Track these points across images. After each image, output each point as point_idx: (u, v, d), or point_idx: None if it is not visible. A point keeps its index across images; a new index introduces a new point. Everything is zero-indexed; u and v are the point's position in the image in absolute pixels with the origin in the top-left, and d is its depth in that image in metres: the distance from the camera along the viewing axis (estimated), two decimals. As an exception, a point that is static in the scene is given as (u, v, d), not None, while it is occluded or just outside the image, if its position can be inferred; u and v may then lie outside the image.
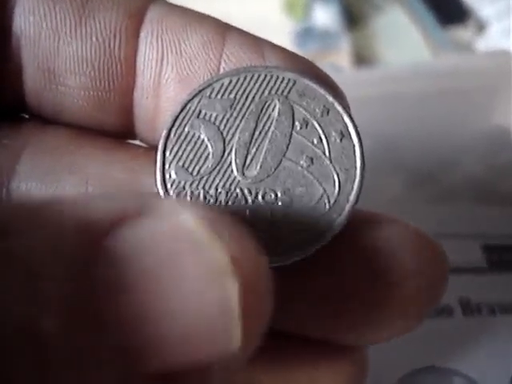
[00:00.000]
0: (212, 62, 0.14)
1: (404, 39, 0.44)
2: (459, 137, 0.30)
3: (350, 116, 0.14)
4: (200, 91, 0.14)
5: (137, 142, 0.16)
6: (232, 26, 0.15)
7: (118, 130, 0.16)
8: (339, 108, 0.14)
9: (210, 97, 0.14)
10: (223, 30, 0.15)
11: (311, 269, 0.14)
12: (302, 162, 0.14)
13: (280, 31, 0.42)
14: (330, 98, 0.14)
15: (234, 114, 0.14)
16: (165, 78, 0.15)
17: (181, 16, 0.15)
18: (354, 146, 0.14)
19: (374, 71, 0.37)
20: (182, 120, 0.14)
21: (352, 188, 0.14)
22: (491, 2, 0.43)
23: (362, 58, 0.42)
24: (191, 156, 0.14)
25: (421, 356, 0.21)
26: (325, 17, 0.43)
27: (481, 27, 0.43)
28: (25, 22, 0.15)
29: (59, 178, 0.15)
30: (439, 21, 0.43)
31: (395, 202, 0.28)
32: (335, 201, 0.14)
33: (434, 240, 0.15)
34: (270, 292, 0.10)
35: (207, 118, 0.14)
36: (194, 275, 0.10)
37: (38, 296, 0.09)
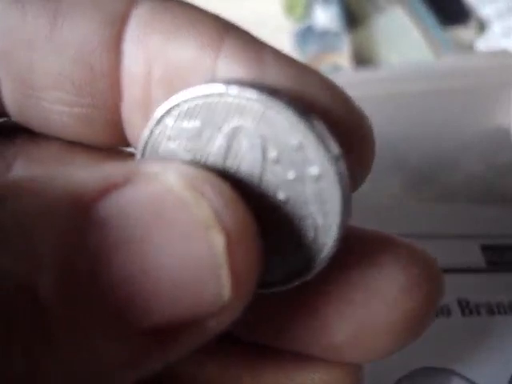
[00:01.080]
0: (205, 75, 0.12)
1: (405, 40, 0.44)
2: (459, 136, 0.30)
3: (328, 150, 0.11)
4: (166, 113, 0.12)
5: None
6: (230, 28, 0.13)
7: (109, 145, 0.15)
8: (315, 141, 0.11)
9: (176, 122, 0.12)
10: (219, 35, 0.13)
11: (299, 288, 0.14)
12: (275, 202, 0.12)
13: (280, 31, 0.42)
14: (304, 128, 0.11)
15: (202, 146, 0.12)
16: (153, 94, 0.13)
17: (170, 19, 0.13)
18: (332, 188, 0.11)
19: (374, 71, 0.37)
20: (152, 147, 0.13)
21: (327, 238, 0.12)
22: (492, 2, 0.43)
23: (362, 59, 0.42)
24: None
25: (419, 357, 0.21)
26: (325, 17, 0.43)
27: (482, 27, 0.43)
28: None
29: None
30: (440, 21, 0.43)
31: (394, 201, 0.28)
32: (308, 250, 0.12)
33: (428, 254, 0.14)
34: (256, 243, 0.11)
35: (176, 146, 0.12)
36: (180, 231, 0.10)
37: (34, 257, 0.10)
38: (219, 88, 0.12)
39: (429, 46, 0.43)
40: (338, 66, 0.41)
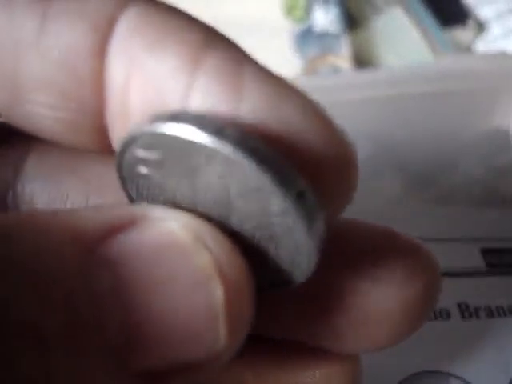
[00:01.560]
0: (180, 93, 0.12)
1: (404, 41, 0.44)
2: (459, 138, 0.30)
3: (289, 187, 0.11)
4: (131, 141, 0.12)
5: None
6: (214, 41, 0.12)
7: (97, 150, 0.15)
8: (272, 181, 0.10)
9: (140, 150, 0.12)
10: (201, 49, 0.12)
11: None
12: (248, 230, 0.12)
13: (280, 33, 0.42)
14: (257, 170, 0.10)
15: (168, 177, 0.12)
16: (131, 106, 0.13)
17: (154, 27, 0.12)
18: (297, 223, 0.11)
19: (373, 73, 0.37)
20: (128, 168, 0.12)
21: (300, 267, 0.12)
22: (491, 3, 0.43)
23: (362, 60, 0.42)
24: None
25: (419, 360, 0.21)
26: (325, 18, 0.43)
27: (481, 28, 0.43)
28: None
29: (62, 178, 0.15)
30: (439, 22, 0.43)
31: (394, 204, 0.28)
32: (286, 268, 0.12)
33: (424, 246, 0.15)
34: (252, 293, 0.11)
35: (147, 172, 0.12)
36: (182, 279, 0.11)
37: (40, 298, 0.10)
38: (173, 127, 0.11)
39: (428, 47, 0.43)
40: (338, 67, 0.41)
